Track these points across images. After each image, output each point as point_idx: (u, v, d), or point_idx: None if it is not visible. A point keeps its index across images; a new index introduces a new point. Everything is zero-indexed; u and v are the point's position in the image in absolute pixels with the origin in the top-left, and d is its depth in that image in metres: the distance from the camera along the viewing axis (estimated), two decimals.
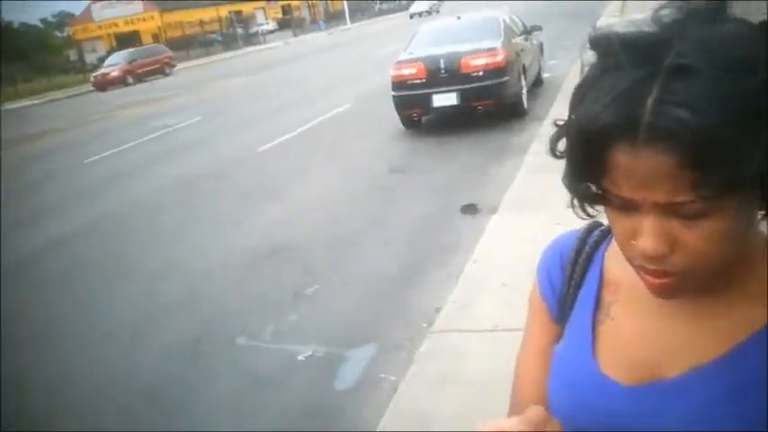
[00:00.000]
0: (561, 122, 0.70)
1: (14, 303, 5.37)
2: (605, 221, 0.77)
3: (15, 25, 60.55)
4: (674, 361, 0.73)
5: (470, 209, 5.97)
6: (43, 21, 79.81)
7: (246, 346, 4.17)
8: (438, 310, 4.02)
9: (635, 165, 0.61)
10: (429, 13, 44.84)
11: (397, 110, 9.48)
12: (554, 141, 0.72)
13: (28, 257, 6.74)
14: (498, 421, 0.68)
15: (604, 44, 0.64)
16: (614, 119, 0.60)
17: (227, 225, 6.80)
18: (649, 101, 0.58)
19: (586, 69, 0.67)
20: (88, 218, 7.92)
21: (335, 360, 3.82)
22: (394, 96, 9.38)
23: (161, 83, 28.87)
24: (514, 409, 0.89)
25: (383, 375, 3.56)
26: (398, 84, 9.24)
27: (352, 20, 59.79)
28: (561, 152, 0.70)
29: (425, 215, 6.07)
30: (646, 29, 0.63)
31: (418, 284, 4.62)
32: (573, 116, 0.66)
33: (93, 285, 5.72)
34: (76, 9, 68.46)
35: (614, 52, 0.63)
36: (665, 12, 0.64)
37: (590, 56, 0.67)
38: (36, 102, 31.25)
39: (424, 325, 3.92)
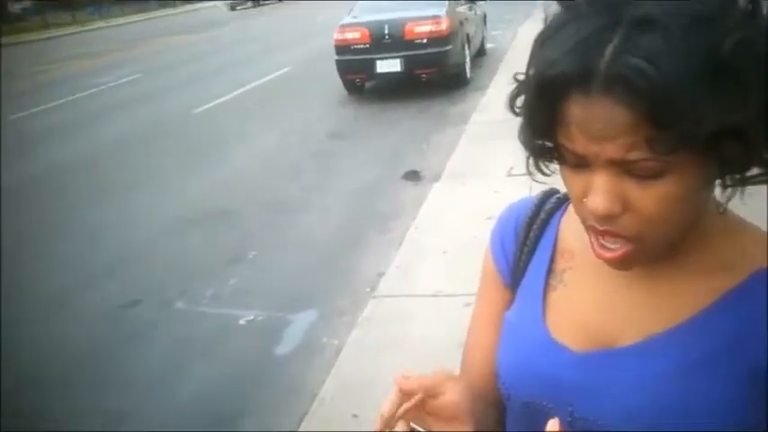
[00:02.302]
0: (522, 77, 0.68)
1: None
2: (562, 188, 0.76)
3: None
4: (627, 329, 0.73)
5: (413, 175, 5.99)
6: None
7: (186, 311, 4.10)
8: (380, 275, 4.04)
9: (589, 116, 0.59)
10: None
11: (339, 74, 9.39)
12: (513, 97, 0.69)
13: None
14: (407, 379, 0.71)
15: None
16: (570, 66, 0.58)
17: (163, 188, 6.62)
18: (608, 49, 0.57)
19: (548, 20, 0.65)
20: (15, 179, 7.56)
21: (277, 324, 3.80)
22: (337, 60, 9.27)
23: (94, 36, 27.60)
24: (464, 375, 0.89)
25: (326, 340, 3.57)
26: (342, 48, 9.14)
27: None
28: (520, 108, 0.68)
29: (367, 181, 6.06)
30: None
31: (360, 250, 4.63)
32: (531, 67, 0.64)
33: (22, 248, 5.49)
34: None
35: (577, 3, 0.61)
36: None
37: (553, 9, 0.65)
38: None
39: (367, 290, 3.94)
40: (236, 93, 10.92)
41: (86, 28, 35.66)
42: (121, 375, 3.55)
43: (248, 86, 11.34)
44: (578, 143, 0.62)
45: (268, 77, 12.03)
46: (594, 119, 0.59)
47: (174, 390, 3.35)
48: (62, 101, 12.26)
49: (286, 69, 12.62)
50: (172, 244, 5.17)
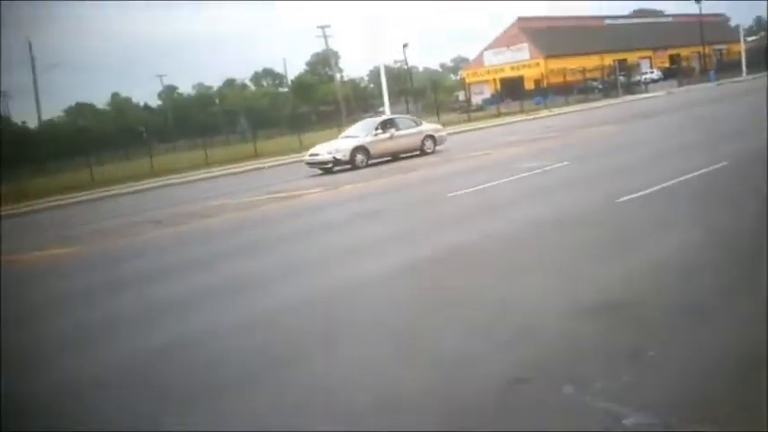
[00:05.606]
0: None
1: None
2: None
3: (419, 69, 71.38)
4: None
5: None
6: (441, 65, 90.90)
7: (572, 397, 4.12)
8: None
9: None
10: None
11: None
12: None
13: None
14: None
15: None
16: None
17: (569, 275, 6.84)
18: None
19: None
20: None
21: None
22: None
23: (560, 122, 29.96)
24: None
25: None
26: None
27: (749, 71, 54.32)
28: None
29: None
30: None
31: None
32: None
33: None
34: (471, 54, 76.54)
35: None
36: None
37: None
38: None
39: None
40: (660, 186, 10.64)
41: None
42: None
43: (676, 180, 10.94)
44: None
45: (696, 173, 11.42)
46: None
47: None
48: (498, 182, 13.56)
49: (723, 164, 11.84)
50: (574, 327, 5.27)
